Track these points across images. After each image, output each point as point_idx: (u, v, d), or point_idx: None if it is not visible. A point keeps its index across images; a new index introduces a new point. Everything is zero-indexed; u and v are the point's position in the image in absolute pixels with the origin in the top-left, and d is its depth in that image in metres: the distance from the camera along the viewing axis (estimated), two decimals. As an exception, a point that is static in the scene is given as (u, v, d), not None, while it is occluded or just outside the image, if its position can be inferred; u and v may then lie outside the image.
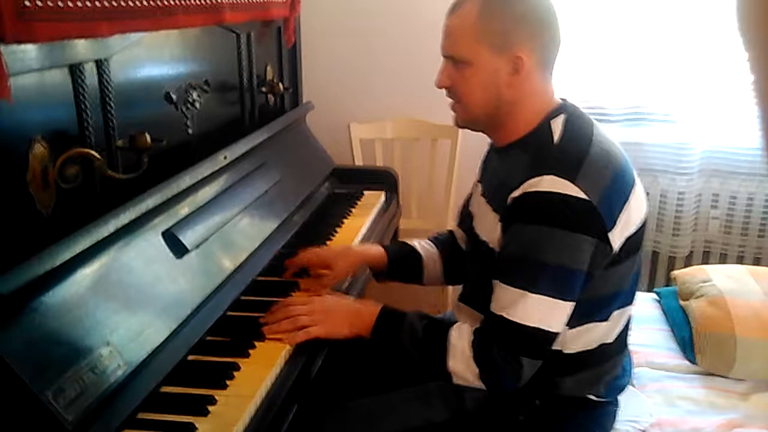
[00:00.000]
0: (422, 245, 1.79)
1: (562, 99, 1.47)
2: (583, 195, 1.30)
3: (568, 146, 1.38)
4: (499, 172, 1.48)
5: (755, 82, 0.52)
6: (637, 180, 1.44)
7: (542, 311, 1.33)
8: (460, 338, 1.39)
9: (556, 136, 1.39)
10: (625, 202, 1.37)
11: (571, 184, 1.30)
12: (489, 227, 1.46)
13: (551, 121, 1.41)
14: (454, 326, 1.42)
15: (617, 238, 1.35)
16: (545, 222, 1.31)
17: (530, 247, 1.33)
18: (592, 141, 1.39)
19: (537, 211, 1.33)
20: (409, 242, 1.81)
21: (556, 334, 1.35)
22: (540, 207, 1.32)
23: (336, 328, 1.47)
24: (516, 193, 1.35)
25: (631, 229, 1.39)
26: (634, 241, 1.40)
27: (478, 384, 1.38)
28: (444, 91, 1.49)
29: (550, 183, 1.31)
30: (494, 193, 1.47)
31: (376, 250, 1.80)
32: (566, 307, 1.34)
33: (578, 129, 1.41)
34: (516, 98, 1.41)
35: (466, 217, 1.62)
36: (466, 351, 1.37)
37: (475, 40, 1.38)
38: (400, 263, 1.77)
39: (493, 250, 1.43)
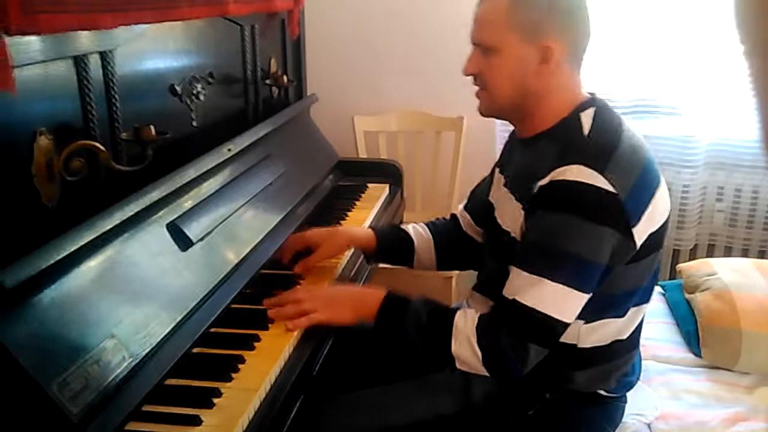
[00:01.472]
0: (416, 230, 1.78)
1: (591, 93, 1.46)
2: (610, 188, 1.29)
3: (598, 139, 1.37)
4: (525, 162, 1.47)
5: (752, 75, 0.52)
6: (662, 177, 1.43)
7: (557, 299, 1.32)
8: (465, 323, 1.38)
9: (586, 129, 1.38)
10: (650, 199, 1.36)
11: (599, 176, 1.29)
12: (512, 216, 1.44)
13: (581, 114, 1.40)
14: (459, 311, 1.41)
15: (641, 234, 1.34)
16: (570, 211, 1.31)
17: (552, 235, 1.32)
18: (622, 135, 1.38)
19: (563, 199, 1.32)
20: (403, 226, 1.80)
21: (566, 325, 1.34)
22: (566, 196, 1.31)
23: (340, 314, 1.47)
24: (543, 181, 1.34)
25: (655, 225, 1.38)
26: (656, 238, 1.39)
27: (481, 369, 1.37)
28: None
29: (579, 173, 1.30)
30: (519, 182, 1.46)
31: (363, 232, 1.80)
32: (581, 299, 1.33)
33: (608, 123, 1.40)
34: (543, 89, 1.40)
35: (484, 208, 1.61)
36: (470, 335, 1.36)
37: (505, 28, 1.37)
38: (390, 247, 1.77)
39: (516, 239, 1.42)
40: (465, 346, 1.36)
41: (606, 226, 1.30)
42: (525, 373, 1.37)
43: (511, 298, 1.34)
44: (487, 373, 1.37)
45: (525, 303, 1.32)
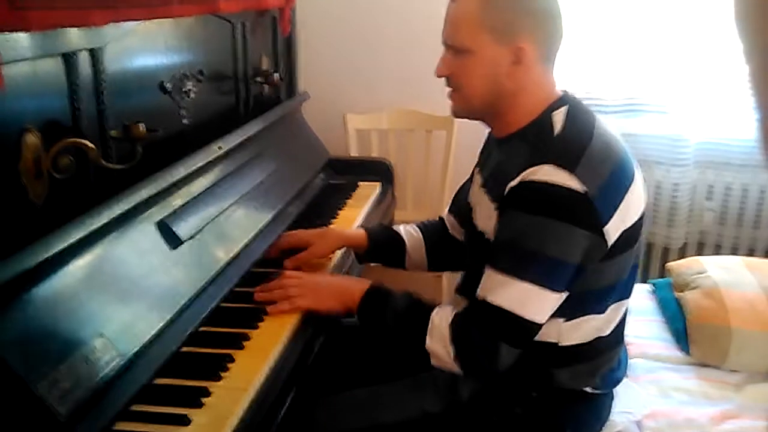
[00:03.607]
0: (407, 231, 1.79)
1: (563, 91, 1.46)
2: (580, 187, 1.29)
3: (568, 138, 1.37)
4: (499, 162, 1.48)
5: (751, 74, 0.52)
6: (638, 174, 1.42)
7: (527, 299, 1.32)
8: (441, 319, 1.39)
9: (558, 128, 1.38)
10: (622, 197, 1.36)
11: (569, 176, 1.29)
12: (487, 217, 1.45)
13: (553, 113, 1.40)
14: (437, 307, 1.42)
15: (613, 232, 1.34)
16: (540, 212, 1.31)
17: (522, 236, 1.33)
18: (594, 134, 1.38)
19: (532, 200, 1.32)
20: (394, 227, 1.81)
21: (538, 325, 1.35)
22: (536, 196, 1.32)
23: (323, 301, 1.49)
24: (514, 182, 1.34)
25: (628, 223, 1.37)
26: (630, 235, 1.39)
27: (453, 366, 1.38)
28: (440, 80, 1.48)
29: (548, 173, 1.30)
30: (493, 183, 1.47)
31: (355, 232, 1.81)
32: (552, 298, 1.34)
33: (580, 121, 1.40)
34: (516, 89, 1.40)
35: (464, 209, 1.62)
36: (444, 332, 1.37)
37: (476, 28, 1.37)
38: (381, 247, 1.78)
39: (490, 240, 1.42)
40: (439, 342, 1.37)
41: (576, 225, 1.31)
42: (499, 372, 1.37)
43: (482, 298, 1.35)
44: (460, 371, 1.38)
45: (495, 303, 1.33)
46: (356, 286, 1.50)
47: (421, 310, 1.43)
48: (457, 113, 1.50)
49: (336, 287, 1.52)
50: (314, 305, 1.48)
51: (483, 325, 1.35)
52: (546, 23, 1.39)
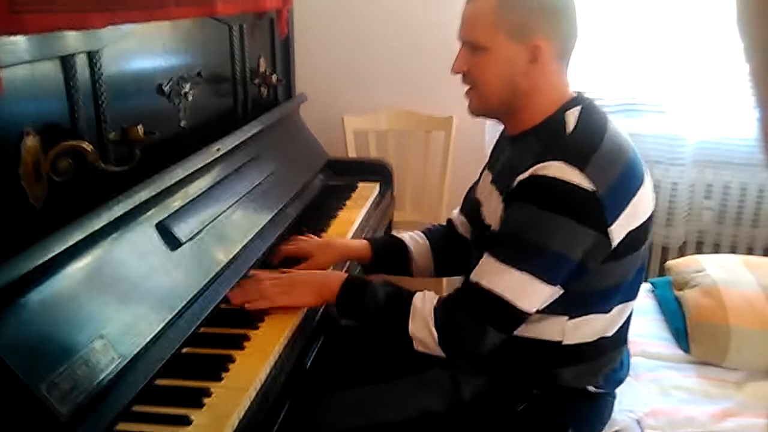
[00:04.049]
0: (412, 238, 1.79)
1: (578, 92, 1.47)
2: (589, 186, 1.30)
3: (581, 137, 1.38)
4: (510, 158, 1.48)
5: (751, 73, 0.52)
6: (647, 176, 1.43)
7: (520, 287, 1.33)
8: (424, 304, 1.40)
9: (570, 127, 1.39)
10: (631, 199, 1.36)
11: (579, 174, 1.30)
12: (494, 211, 1.46)
13: (566, 112, 1.41)
14: (419, 293, 1.43)
15: (618, 232, 1.34)
16: (547, 206, 1.32)
17: (526, 227, 1.34)
18: (606, 135, 1.39)
19: (540, 194, 1.33)
20: (398, 235, 1.81)
21: (526, 313, 1.36)
22: (544, 191, 1.32)
23: (301, 297, 1.49)
24: (523, 176, 1.35)
25: (635, 224, 1.38)
26: (637, 236, 1.39)
27: (436, 350, 1.39)
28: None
29: (558, 169, 1.31)
30: (503, 178, 1.47)
31: (358, 243, 1.80)
32: (546, 290, 1.35)
33: (593, 121, 1.41)
34: (532, 87, 1.41)
35: (473, 205, 1.62)
36: (427, 316, 1.38)
37: (493, 27, 1.38)
38: (386, 256, 1.78)
39: (495, 232, 1.43)
40: (422, 326, 1.38)
41: (581, 223, 1.31)
42: (481, 355, 1.38)
43: (474, 281, 1.36)
44: (443, 354, 1.39)
45: (488, 287, 1.34)
46: (333, 278, 1.50)
47: (401, 296, 1.44)
48: (475, 112, 1.50)
49: (312, 282, 1.52)
50: (291, 302, 1.48)
51: (472, 307, 1.36)
52: (562, 22, 1.40)
